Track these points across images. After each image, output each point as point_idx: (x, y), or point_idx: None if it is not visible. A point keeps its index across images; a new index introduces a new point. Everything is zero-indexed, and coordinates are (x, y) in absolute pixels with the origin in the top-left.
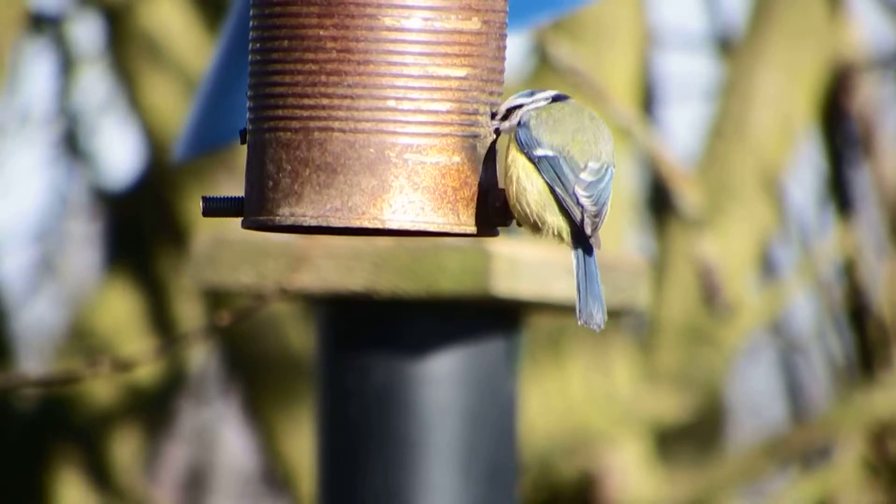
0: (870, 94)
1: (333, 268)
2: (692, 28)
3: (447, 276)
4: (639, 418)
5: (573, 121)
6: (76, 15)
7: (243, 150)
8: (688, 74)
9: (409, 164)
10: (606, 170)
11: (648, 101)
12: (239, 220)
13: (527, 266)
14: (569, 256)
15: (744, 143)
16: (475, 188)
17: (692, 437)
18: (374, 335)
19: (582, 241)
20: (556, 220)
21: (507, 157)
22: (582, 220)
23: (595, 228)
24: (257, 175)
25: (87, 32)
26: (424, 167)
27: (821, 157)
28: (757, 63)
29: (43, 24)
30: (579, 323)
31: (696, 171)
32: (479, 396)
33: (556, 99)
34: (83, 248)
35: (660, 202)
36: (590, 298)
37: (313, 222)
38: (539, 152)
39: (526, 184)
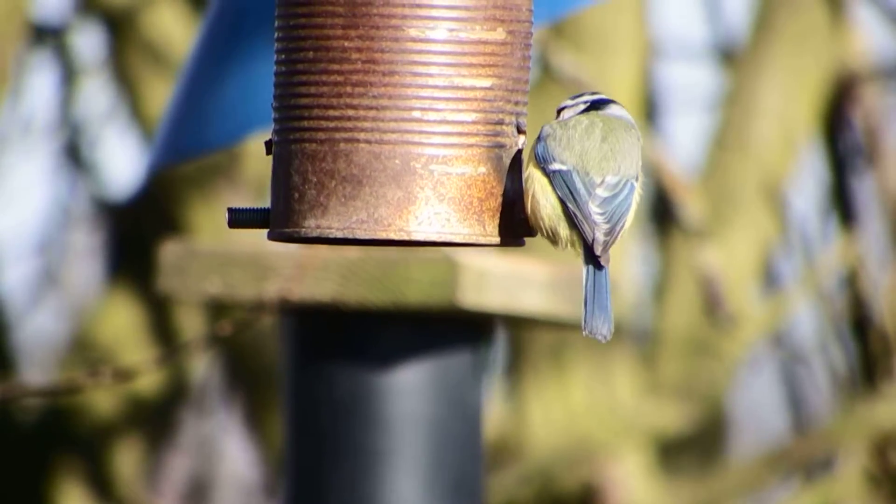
0: (873, 104)
1: (301, 278)
2: (694, 38)
3: (415, 287)
4: (641, 429)
5: (594, 133)
6: (78, 25)
7: (244, 160)
8: (690, 84)
9: (435, 175)
10: (625, 184)
11: (651, 110)
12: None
13: (495, 278)
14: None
15: (746, 153)
16: (500, 199)
17: (695, 448)
18: (341, 346)
19: (593, 255)
20: (567, 234)
21: (525, 169)
22: (593, 238)
23: (605, 247)
24: (283, 187)
25: (89, 42)
26: (450, 178)
27: (824, 168)
28: (759, 73)
29: (45, 35)
30: (584, 333)
31: (698, 182)
32: (446, 408)
33: (595, 103)
34: (85, 258)
35: (662, 212)
36: (596, 310)
37: (339, 234)
38: (553, 167)
39: (540, 198)
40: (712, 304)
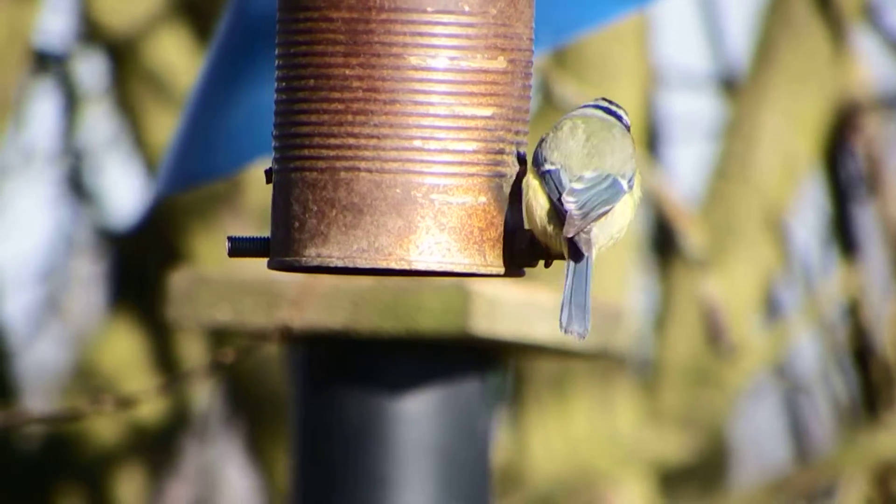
0: (874, 134)
1: (313, 306)
2: (696, 67)
3: (427, 315)
4: (642, 458)
5: (577, 133)
6: (80, 52)
7: (246, 189)
8: (691, 113)
9: (436, 205)
10: (605, 178)
11: (652, 140)
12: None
13: (507, 306)
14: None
15: (748, 183)
16: (501, 228)
17: (696, 478)
18: (352, 373)
19: (575, 252)
20: (557, 232)
21: (525, 176)
22: (566, 220)
23: (576, 230)
24: (283, 215)
25: (91, 70)
26: (451, 207)
27: (825, 197)
28: (761, 103)
29: (47, 62)
30: (560, 331)
31: (699, 211)
32: (456, 436)
33: (599, 106)
34: (87, 286)
35: (663, 242)
36: (572, 308)
37: (340, 263)
38: (544, 168)
39: (532, 200)
40: (714, 334)
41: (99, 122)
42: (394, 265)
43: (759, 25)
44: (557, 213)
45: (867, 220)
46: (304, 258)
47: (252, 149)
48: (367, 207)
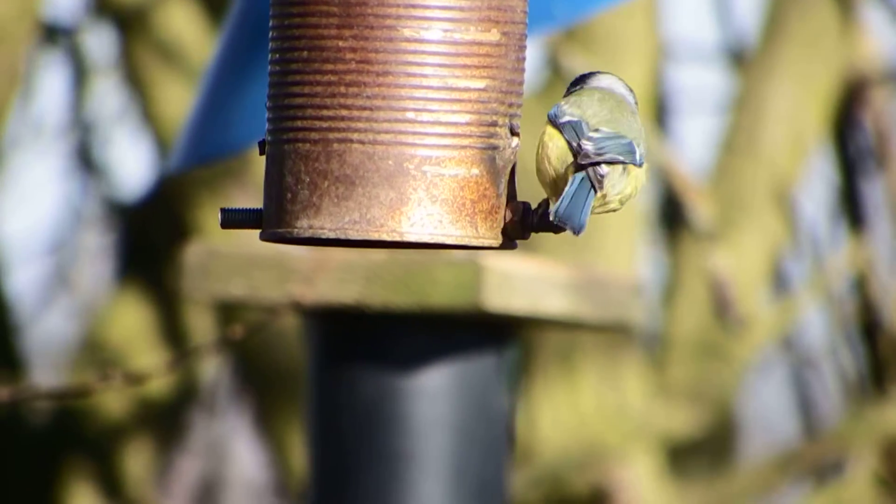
0: (883, 107)
1: (325, 281)
2: (705, 41)
3: (439, 289)
4: (651, 433)
5: (601, 101)
6: (89, 25)
7: (254, 163)
8: (700, 87)
9: (428, 177)
10: (623, 137)
11: (661, 113)
12: (238, 232)
13: (519, 281)
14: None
15: (756, 156)
16: (494, 201)
17: (704, 452)
18: (365, 349)
19: (581, 167)
20: (569, 168)
21: (542, 133)
22: (581, 150)
23: (590, 162)
24: (276, 187)
25: (100, 43)
26: (443, 179)
27: (833, 171)
28: (769, 76)
29: (56, 35)
30: (552, 219)
31: (708, 185)
32: (470, 411)
33: (585, 78)
34: (96, 260)
35: (672, 216)
36: (571, 204)
37: (332, 235)
38: (564, 119)
39: (549, 143)
40: (722, 308)
41: (108, 94)
42: (385, 237)
43: None
44: (574, 154)
45: (875, 194)
46: (296, 229)
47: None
48: (359, 179)
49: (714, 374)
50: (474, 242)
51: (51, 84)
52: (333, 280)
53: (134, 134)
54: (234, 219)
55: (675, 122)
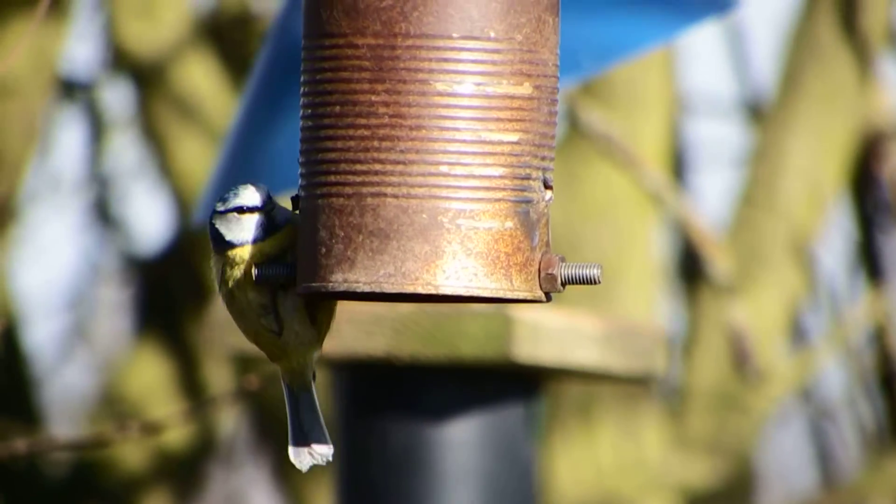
0: None
1: (354, 332)
2: (723, 94)
3: (468, 341)
4: (669, 484)
5: None
6: (107, 80)
7: None
8: (718, 141)
9: (462, 230)
10: None
11: (679, 167)
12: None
13: (548, 332)
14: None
15: (774, 209)
16: (528, 253)
17: (723, 503)
18: (394, 399)
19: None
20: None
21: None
22: None
23: None
24: (310, 241)
25: (117, 97)
26: (477, 232)
27: (851, 224)
28: (787, 129)
29: (73, 90)
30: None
31: (726, 238)
32: (499, 461)
33: None
34: (114, 313)
35: (690, 268)
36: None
37: (366, 288)
38: None
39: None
40: (740, 360)
41: (125, 149)
42: (421, 290)
43: (786, 52)
44: None
45: (893, 247)
46: (331, 283)
47: (293, 178)
48: (393, 233)
49: (732, 425)
50: (509, 295)
51: (68, 139)
52: (362, 332)
53: (151, 188)
54: (268, 274)
55: (693, 176)
